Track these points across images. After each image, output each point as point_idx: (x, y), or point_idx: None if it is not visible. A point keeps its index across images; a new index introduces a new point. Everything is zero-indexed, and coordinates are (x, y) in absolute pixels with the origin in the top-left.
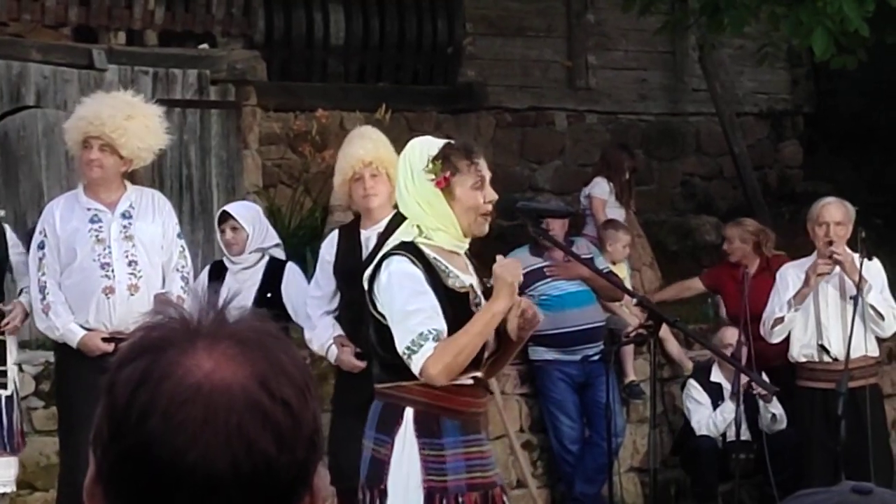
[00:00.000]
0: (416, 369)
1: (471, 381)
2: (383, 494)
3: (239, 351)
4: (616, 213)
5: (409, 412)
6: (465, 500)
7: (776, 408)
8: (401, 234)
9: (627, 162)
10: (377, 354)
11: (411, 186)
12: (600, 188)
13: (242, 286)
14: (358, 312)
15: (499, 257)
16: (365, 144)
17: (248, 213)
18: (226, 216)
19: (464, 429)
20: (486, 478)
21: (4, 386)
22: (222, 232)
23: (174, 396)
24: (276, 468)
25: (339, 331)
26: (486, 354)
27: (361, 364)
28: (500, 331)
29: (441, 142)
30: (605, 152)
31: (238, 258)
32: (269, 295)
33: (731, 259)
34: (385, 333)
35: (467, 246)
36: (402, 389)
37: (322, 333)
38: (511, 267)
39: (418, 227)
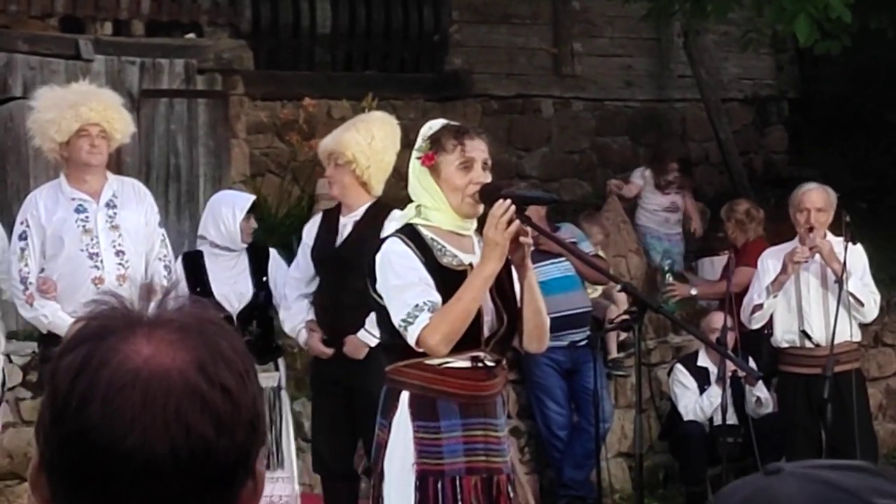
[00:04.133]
0: (412, 340)
1: (468, 364)
2: (380, 477)
3: (178, 337)
4: (652, 197)
5: (404, 395)
6: (463, 483)
7: (761, 391)
8: (401, 217)
9: (673, 152)
10: (381, 338)
11: (412, 165)
12: (639, 175)
13: (231, 272)
14: (328, 297)
15: (497, 205)
16: (336, 134)
17: None
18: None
19: (464, 412)
20: (492, 463)
21: None
22: (248, 220)
23: (112, 382)
24: (216, 452)
25: (311, 315)
26: (486, 333)
27: (328, 350)
28: (501, 306)
29: (442, 123)
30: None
31: (238, 246)
32: (264, 279)
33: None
34: (384, 315)
35: (471, 228)
36: (399, 373)
37: (295, 316)
38: (500, 223)
39: (418, 207)
